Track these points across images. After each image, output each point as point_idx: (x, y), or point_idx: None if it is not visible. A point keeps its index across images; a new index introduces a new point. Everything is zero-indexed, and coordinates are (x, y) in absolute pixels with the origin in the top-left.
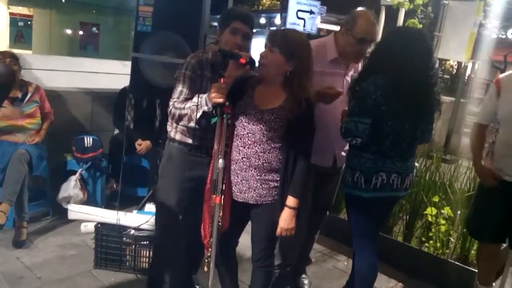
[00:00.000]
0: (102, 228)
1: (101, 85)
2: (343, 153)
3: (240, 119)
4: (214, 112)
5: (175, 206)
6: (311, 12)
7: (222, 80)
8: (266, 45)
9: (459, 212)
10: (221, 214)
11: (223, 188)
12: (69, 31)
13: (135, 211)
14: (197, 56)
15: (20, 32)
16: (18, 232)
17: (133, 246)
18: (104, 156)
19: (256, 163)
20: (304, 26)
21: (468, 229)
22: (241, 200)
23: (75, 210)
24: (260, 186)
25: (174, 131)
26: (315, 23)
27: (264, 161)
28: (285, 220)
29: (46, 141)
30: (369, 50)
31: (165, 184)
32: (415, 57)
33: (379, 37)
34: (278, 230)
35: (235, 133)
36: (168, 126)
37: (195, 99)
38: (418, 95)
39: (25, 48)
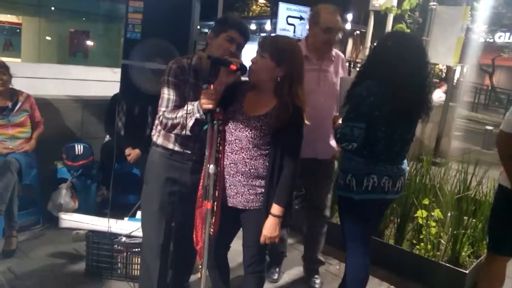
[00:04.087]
0: (93, 236)
1: (91, 92)
2: (324, 145)
3: (228, 125)
4: (205, 118)
5: (158, 211)
6: (301, 18)
7: (211, 86)
8: (256, 51)
9: (449, 214)
10: (213, 220)
11: (216, 194)
12: (58, 39)
13: (126, 218)
14: (178, 61)
15: (9, 40)
16: (8, 242)
17: (125, 254)
18: (95, 164)
19: (243, 169)
20: (294, 32)
21: (489, 242)
22: (231, 205)
23: (66, 218)
24: (247, 192)
25: (156, 135)
26: (305, 28)
27: (251, 168)
28: (269, 228)
29: (36, 150)
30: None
31: (148, 189)
32: (410, 64)
33: (368, 41)
34: (262, 238)
35: None
36: (152, 130)
37: (187, 107)
38: (411, 101)
39: (14, 56)
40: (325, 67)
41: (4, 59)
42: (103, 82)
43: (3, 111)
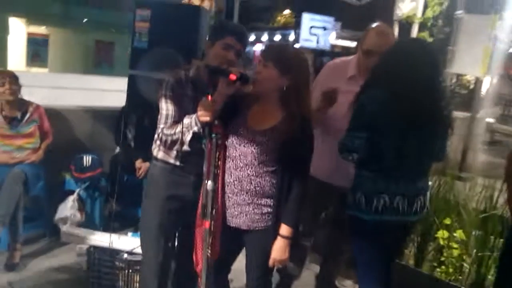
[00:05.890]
0: (94, 252)
1: (113, 102)
2: None
3: (231, 139)
4: (203, 132)
5: (158, 229)
6: (324, 28)
7: (209, 97)
8: (259, 61)
9: (473, 233)
10: (210, 240)
11: (214, 213)
12: (84, 50)
13: (130, 234)
14: (176, 74)
15: (37, 50)
16: (11, 255)
17: (126, 271)
18: (104, 176)
19: (247, 187)
20: (317, 42)
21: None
22: (234, 225)
23: (68, 232)
24: (252, 211)
25: (157, 150)
26: (328, 39)
27: (256, 185)
28: (278, 250)
29: (45, 160)
30: None
31: (147, 205)
32: (417, 70)
33: None
34: (271, 261)
35: (227, 154)
36: (153, 144)
37: (185, 121)
38: (422, 110)
39: (41, 66)
40: None
41: (33, 69)
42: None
43: (12, 121)
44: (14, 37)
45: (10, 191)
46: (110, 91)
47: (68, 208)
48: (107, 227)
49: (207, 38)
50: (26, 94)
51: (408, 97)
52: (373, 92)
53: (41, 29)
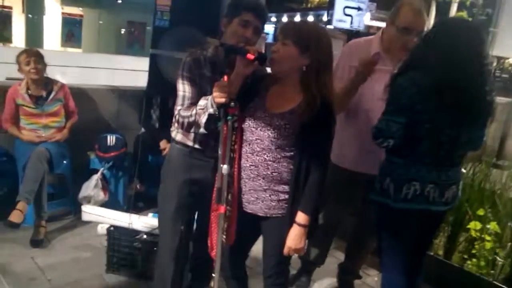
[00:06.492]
0: (114, 232)
1: (143, 82)
2: None
3: (248, 123)
4: (218, 114)
5: (175, 213)
6: (359, 9)
7: (225, 77)
8: (277, 39)
9: (509, 224)
10: (226, 225)
11: (230, 197)
12: (117, 30)
13: (150, 214)
14: (193, 53)
15: (71, 31)
16: (36, 231)
17: (145, 252)
18: (128, 156)
19: (264, 172)
20: (351, 23)
21: None
22: (250, 211)
23: (88, 212)
24: (269, 197)
25: (175, 132)
26: (362, 20)
27: (273, 171)
28: (293, 239)
29: (71, 139)
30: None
31: (165, 188)
32: (461, 52)
33: None
34: (285, 250)
35: (244, 138)
36: (172, 126)
37: (200, 102)
38: (463, 96)
39: (75, 47)
40: None
41: (68, 49)
42: None
43: (37, 100)
44: (50, 17)
45: (34, 169)
46: (141, 71)
47: (91, 187)
48: (130, 207)
49: (224, 16)
50: (60, 73)
51: (451, 81)
52: (414, 74)
53: (75, 10)
